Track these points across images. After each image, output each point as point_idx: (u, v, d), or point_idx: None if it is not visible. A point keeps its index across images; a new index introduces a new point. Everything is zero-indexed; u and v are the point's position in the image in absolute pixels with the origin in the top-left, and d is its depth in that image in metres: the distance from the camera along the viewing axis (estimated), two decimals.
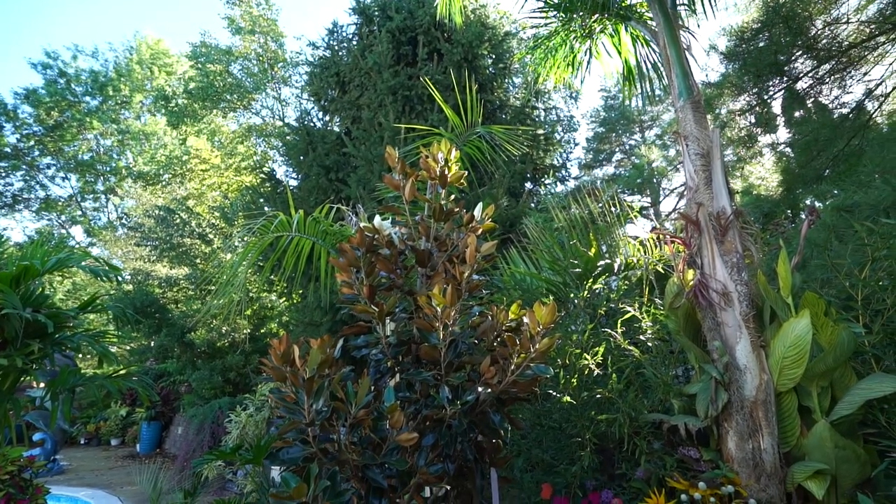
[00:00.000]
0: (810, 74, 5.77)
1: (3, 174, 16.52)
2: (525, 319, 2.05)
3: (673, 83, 3.11)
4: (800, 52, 5.42)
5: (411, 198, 2.51)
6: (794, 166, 6.69)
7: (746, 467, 2.16)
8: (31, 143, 16.50)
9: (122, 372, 4.71)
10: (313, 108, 9.01)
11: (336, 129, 8.20)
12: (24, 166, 16.68)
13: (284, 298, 9.08)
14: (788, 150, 7.56)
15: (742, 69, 5.83)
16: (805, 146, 5.79)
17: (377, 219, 2.43)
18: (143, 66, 17.90)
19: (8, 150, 16.19)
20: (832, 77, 5.75)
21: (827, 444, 2.00)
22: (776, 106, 7.15)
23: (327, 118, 8.63)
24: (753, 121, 6.15)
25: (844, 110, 6.18)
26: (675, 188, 17.14)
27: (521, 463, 2.89)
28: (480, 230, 2.54)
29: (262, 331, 11.56)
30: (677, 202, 17.51)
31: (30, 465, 3.93)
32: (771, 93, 6.03)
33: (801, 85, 5.90)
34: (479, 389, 1.83)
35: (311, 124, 8.20)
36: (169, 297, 11.85)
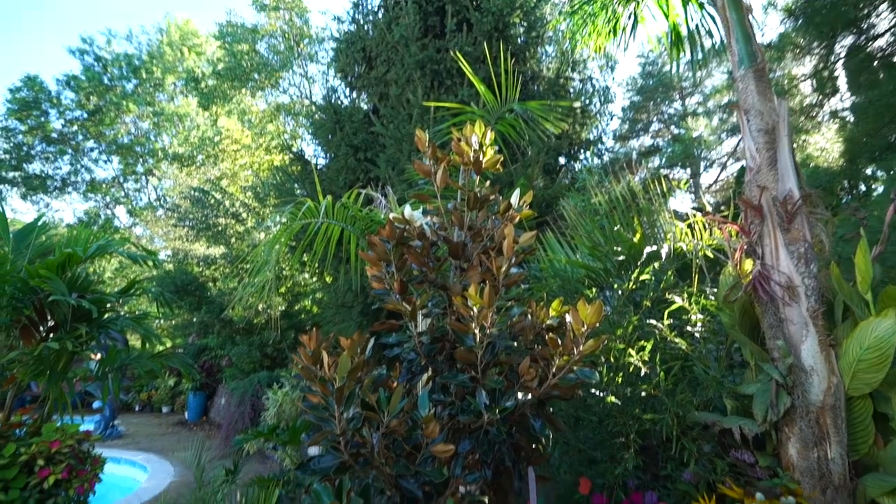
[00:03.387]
0: (891, 31, 5.08)
1: (52, 159, 17.31)
2: (567, 317, 1.91)
3: (732, 49, 2.78)
4: (881, 4, 4.73)
5: (443, 185, 2.36)
6: (859, 135, 6.07)
7: (810, 478, 1.98)
8: (75, 127, 17.14)
9: (165, 352, 4.88)
10: (340, 84, 8.86)
11: (364, 105, 8.03)
12: (70, 150, 17.41)
13: (316, 278, 9.21)
14: (852, 117, 6.86)
15: (807, 27, 5.21)
16: (877, 112, 5.19)
17: (407, 208, 2.30)
18: (173, 48, 18.11)
19: (55, 135, 16.90)
20: None
21: None
22: (840, 69, 6.45)
23: (354, 95, 8.47)
24: (815, 86, 5.54)
25: None
26: (717, 159, 16.16)
27: (557, 454, 2.80)
28: (518, 218, 2.38)
29: (296, 307, 11.86)
30: (719, 173, 16.55)
31: (87, 438, 4.16)
32: (841, 54, 5.38)
33: (878, 44, 5.22)
34: (519, 395, 1.72)
35: (339, 102, 8.07)
36: (207, 276, 12.28)
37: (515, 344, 1.88)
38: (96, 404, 10.55)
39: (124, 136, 18.62)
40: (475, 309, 1.76)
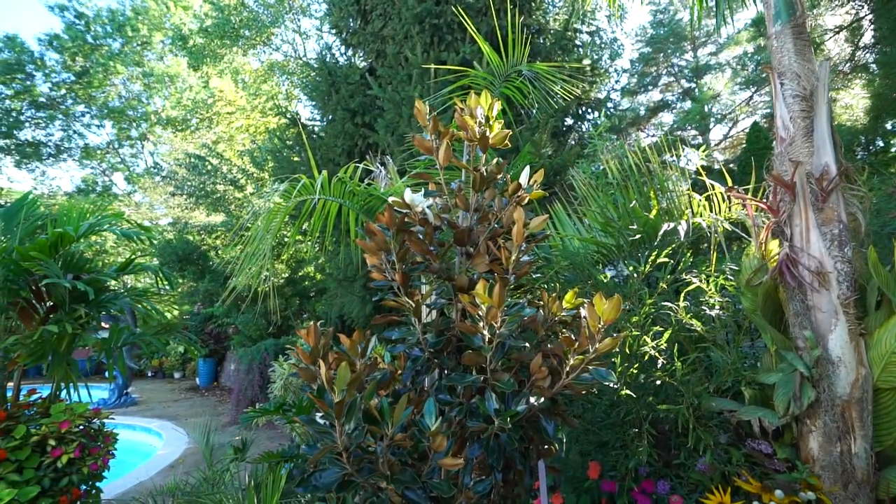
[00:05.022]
0: None
1: (43, 124, 16.83)
2: (582, 311, 1.78)
3: (768, 0, 2.48)
4: None
5: (446, 163, 2.17)
6: (887, 90, 5.69)
7: (832, 472, 1.91)
8: (63, 91, 16.55)
9: (169, 324, 4.82)
10: (335, 41, 8.37)
11: (360, 64, 7.60)
12: (60, 115, 16.90)
13: (318, 247, 9.10)
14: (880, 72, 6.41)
15: None
16: None
17: (408, 192, 2.12)
18: (158, 2, 17.14)
19: (43, 99, 16.34)
20: None
21: None
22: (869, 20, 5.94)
23: (350, 53, 8.00)
24: (849, 37, 5.08)
25: None
26: (728, 114, 15.51)
27: (566, 437, 2.76)
28: (527, 199, 2.20)
29: (299, 273, 11.84)
30: (729, 129, 15.95)
31: (97, 415, 4.18)
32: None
33: None
34: (532, 400, 1.61)
35: (334, 61, 7.63)
36: (208, 244, 12.19)
37: (527, 345, 1.76)
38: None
39: (115, 99, 18.00)
40: (483, 307, 1.62)
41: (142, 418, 8.70)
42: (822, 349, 1.99)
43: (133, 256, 4.57)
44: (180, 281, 11.62)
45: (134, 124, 18.26)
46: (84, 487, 3.72)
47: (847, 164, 2.13)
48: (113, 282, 4.42)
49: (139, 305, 4.56)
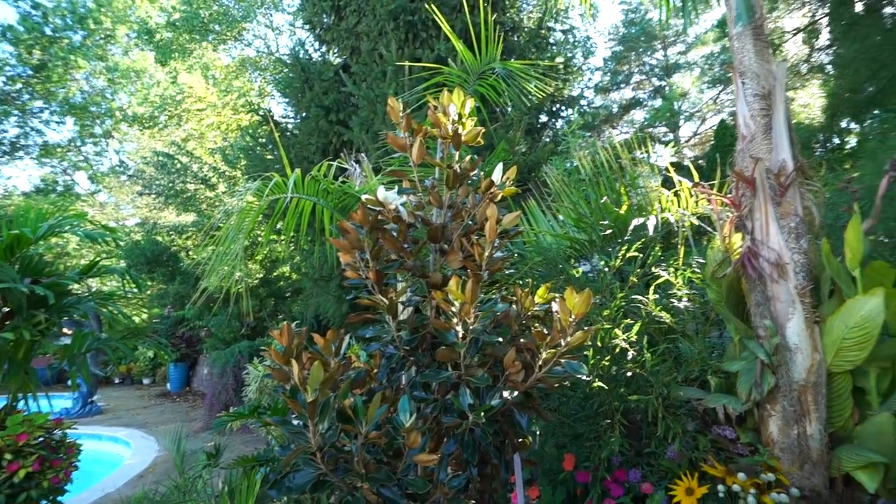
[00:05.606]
0: None
1: None
2: (554, 306, 1.81)
3: (730, 2, 2.57)
4: None
5: (420, 160, 2.17)
6: (841, 90, 5.98)
7: (790, 454, 2.01)
8: (18, 85, 15.73)
9: (137, 328, 4.67)
10: (308, 37, 8.24)
11: (334, 60, 7.50)
12: (15, 111, 16.06)
13: (293, 246, 8.95)
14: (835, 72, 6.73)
15: None
16: (863, 65, 5.07)
17: (381, 190, 2.11)
18: None
19: None
20: None
21: (888, 437, 1.82)
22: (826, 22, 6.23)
23: (324, 49, 7.89)
24: (806, 38, 5.32)
25: None
26: (696, 111, 16.00)
27: (542, 431, 2.80)
28: (500, 196, 2.22)
29: (274, 273, 11.61)
30: (698, 126, 16.46)
31: (58, 426, 3.99)
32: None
33: None
34: (506, 394, 1.64)
35: (307, 57, 7.50)
36: (179, 245, 11.83)
37: (501, 340, 1.78)
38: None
39: (77, 95, 17.22)
40: (457, 304, 1.63)
41: (108, 427, 8.38)
42: (781, 337, 2.09)
43: (97, 259, 4.41)
44: (149, 283, 11.24)
45: (97, 121, 17.52)
46: (44, 502, 3.56)
47: (803, 160, 2.24)
48: (76, 285, 4.25)
49: (104, 309, 4.39)
